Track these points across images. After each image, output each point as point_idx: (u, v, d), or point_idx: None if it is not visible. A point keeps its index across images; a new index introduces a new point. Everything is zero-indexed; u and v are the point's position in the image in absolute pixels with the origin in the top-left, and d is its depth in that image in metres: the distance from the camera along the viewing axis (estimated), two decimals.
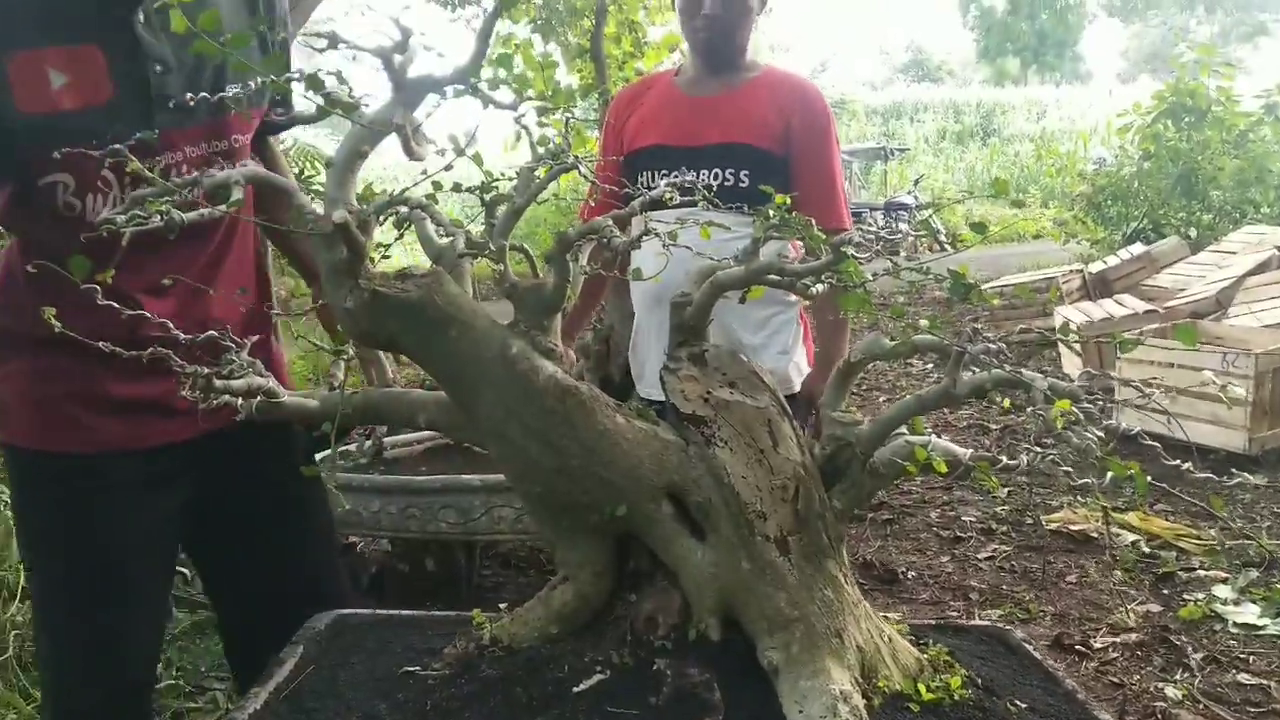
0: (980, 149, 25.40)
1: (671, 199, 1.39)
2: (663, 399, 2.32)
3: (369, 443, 3.97)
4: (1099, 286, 7.93)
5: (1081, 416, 1.20)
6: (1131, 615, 3.24)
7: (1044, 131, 25.99)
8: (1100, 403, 1.33)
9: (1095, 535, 3.89)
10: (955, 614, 3.38)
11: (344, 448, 3.63)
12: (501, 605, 1.45)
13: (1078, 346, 6.38)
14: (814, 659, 1.22)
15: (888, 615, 3.08)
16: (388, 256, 1.33)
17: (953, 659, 1.46)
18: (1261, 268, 6.57)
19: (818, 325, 2.51)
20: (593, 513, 1.26)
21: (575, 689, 1.23)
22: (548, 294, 1.27)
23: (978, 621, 1.77)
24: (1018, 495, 4.43)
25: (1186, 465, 1.28)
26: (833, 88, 28.75)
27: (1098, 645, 3.05)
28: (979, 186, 22.13)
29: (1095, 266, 8.30)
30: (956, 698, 1.31)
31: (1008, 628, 1.72)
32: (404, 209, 1.28)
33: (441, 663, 1.39)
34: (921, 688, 1.29)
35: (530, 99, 1.31)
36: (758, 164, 2.27)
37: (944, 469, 1.29)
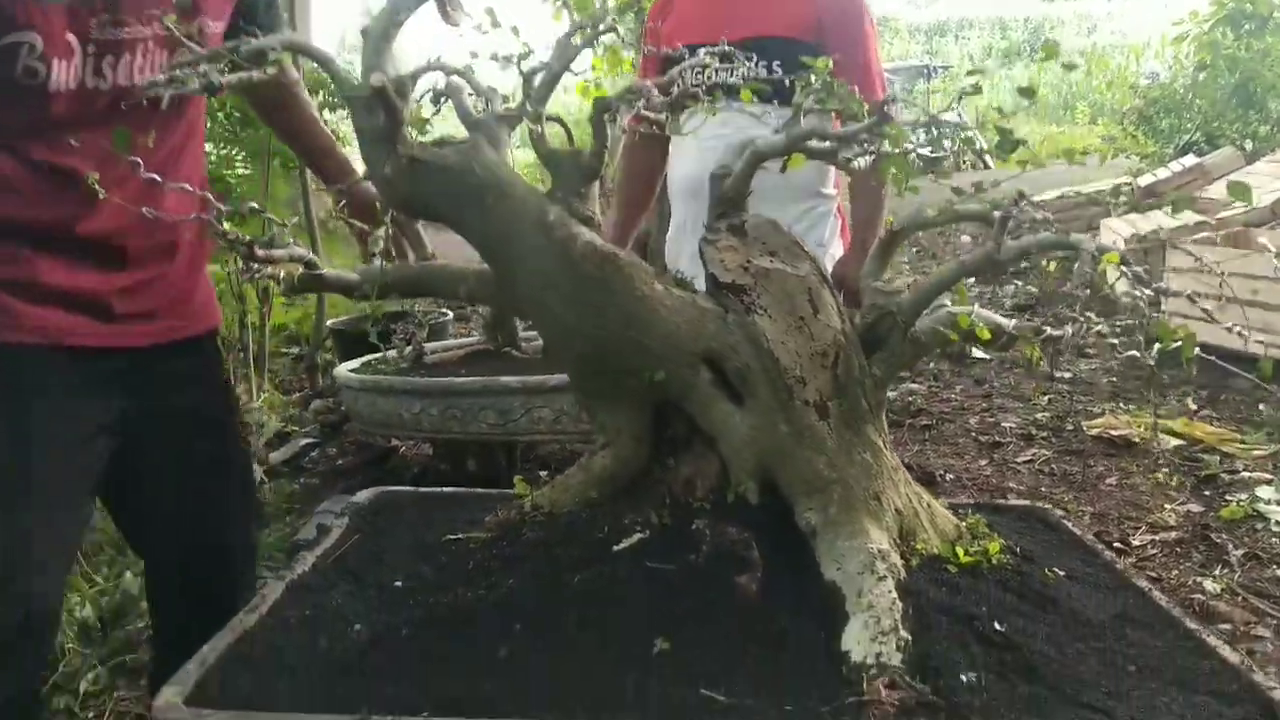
0: (1028, 66, 24.63)
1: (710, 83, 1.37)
2: None
3: (409, 347, 4.02)
4: (1148, 199, 7.71)
5: (1130, 275, 1.18)
6: (1172, 515, 3.23)
7: (1094, 46, 25.13)
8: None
9: (1137, 440, 3.86)
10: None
11: (385, 353, 3.69)
12: (542, 473, 1.47)
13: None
14: (852, 520, 1.23)
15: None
16: (427, 132, 1.33)
17: (991, 530, 1.47)
18: None
19: (854, 202, 2.48)
20: (631, 378, 1.27)
21: (615, 548, 1.26)
22: (585, 161, 1.26)
23: (1015, 502, 1.77)
24: (1058, 402, 4.40)
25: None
26: (874, 4, 27.90)
27: (1136, 543, 3.05)
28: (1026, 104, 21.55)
29: (1144, 179, 8.09)
30: (994, 562, 1.32)
31: (1047, 507, 1.73)
32: (441, 77, 1.28)
33: (484, 530, 1.42)
34: (959, 551, 1.30)
35: None
36: (790, 56, 2.23)
37: (987, 335, 1.28)
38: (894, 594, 1.14)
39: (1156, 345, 1.35)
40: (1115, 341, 1.35)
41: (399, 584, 1.32)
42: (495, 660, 1.11)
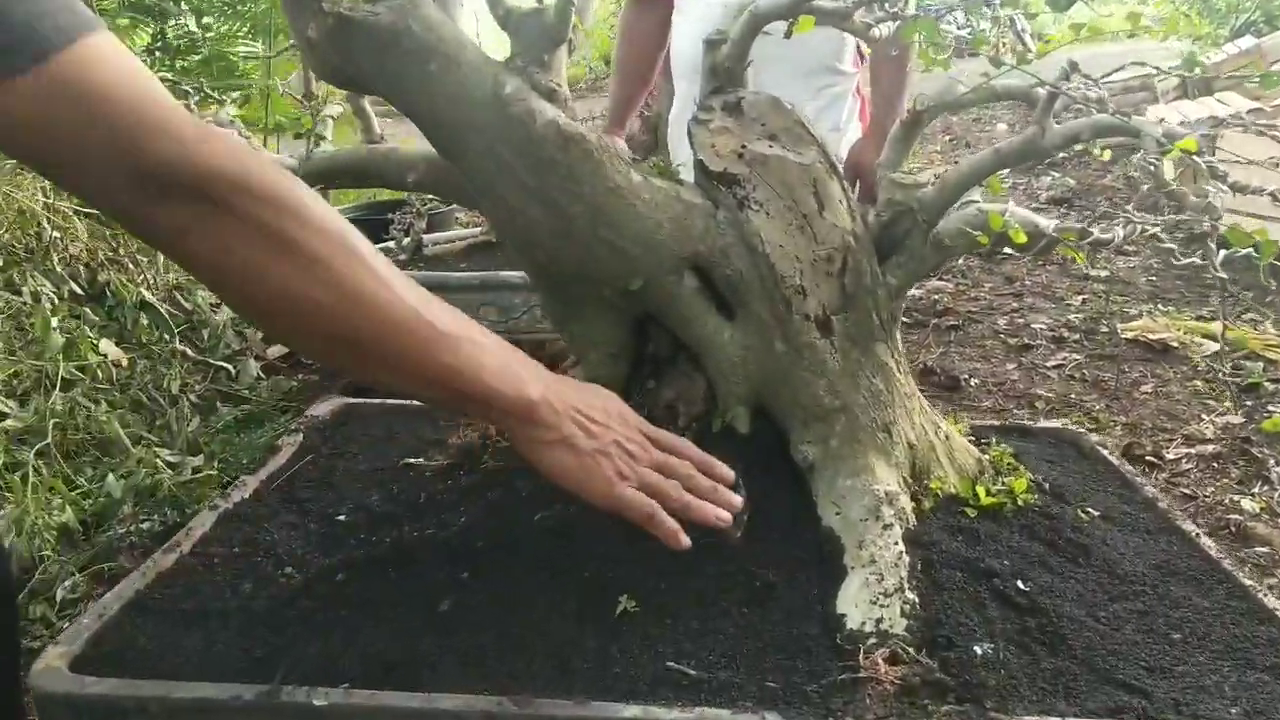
0: None
1: None
2: None
3: (407, 238, 3.81)
4: (1200, 85, 7.27)
5: (1204, 169, 0.97)
6: (1210, 426, 3.04)
7: None
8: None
9: (1175, 345, 3.64)
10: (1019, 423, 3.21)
11: (383, 244, 3.51)
12: None
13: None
14: (856, 455, 1.06)
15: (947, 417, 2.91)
16: None
17: (1018, 461, 1.29)
18: None
19: (875, 79, 2.23)
20: (603, 286, 1.09)
21: None
22: (549, 22, 1.05)
23: (1046, 423, 1.59)
24: (1094, 302, 4.17)
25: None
26: None
27: (1170, 456, 2.87)
28: None
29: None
30: (1020, 503, 1.15)
31: (1080, 430, 1.55)
32: None
33: (444, 454, 1.27)
34: (981, 491, 1.13)
35: None
36: None
37: (1023, 239, 1.07)
38: (900, 546, 0.97)
39: (1222, 251, 1.15)
40: (1172, 246, 1.13)
41: (342, 517, 1.17)
42: (436, 614, 0.96)
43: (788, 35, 1.12)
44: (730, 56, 1.12)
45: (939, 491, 1.11)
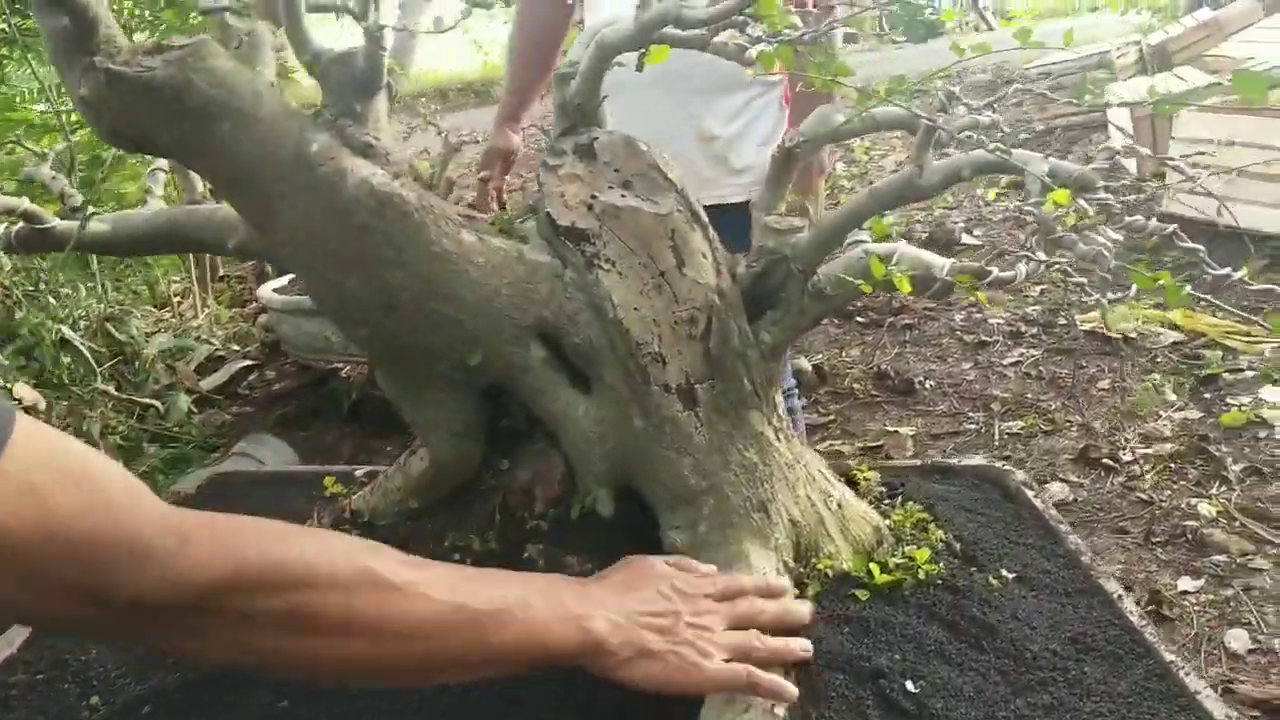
0: None
1: None
2: None
3: None
4: (1158, 59, 7.20)
5: (1092, 212, 0.86)
6: (1167, 423, 2.95)
7: None
8: (1131, 192, 0.98)
9: (1134, 336, 3.55)
10: (974, 425, 3.12)
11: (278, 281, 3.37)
12: (359, 472, 1.19)
13: (1128, 125, 5.83)
14: (728, 541, 0.95)
15: (895, 431, 2.80)
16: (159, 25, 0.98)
17: (932, 515, 1.18)
18: None
19: (794, 81, 2.10)
20: (438, 361, 0.97)
21: None
22: (359, 69, 0.93)
23: (973, 461, 1.48)
24: (1052, 294, 4.08)
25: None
26: None
27: (1127, 458, 2.78)
28: None
29: (1154, 37, 7.53)
30: (922, 575, 1.04)
31: (1007, 469, 1.44)
32: None
33: None
34: (875, 568, 1.02)
35: None
36: None
37: (907, 288, 0.96)
38: None
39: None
40: (1081, 280, 1.02)
41: None
42: None
43: (639, 68, 1.01)
44: (581, 93, 1.01)
45: (828, 571, 1.00)
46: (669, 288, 0.95)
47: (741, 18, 0.90)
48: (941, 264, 1.03)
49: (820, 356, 3.67)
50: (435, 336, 0.95)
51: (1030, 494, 1.36)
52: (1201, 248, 0.93)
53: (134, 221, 1.10)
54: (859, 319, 3.98)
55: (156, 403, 3.43)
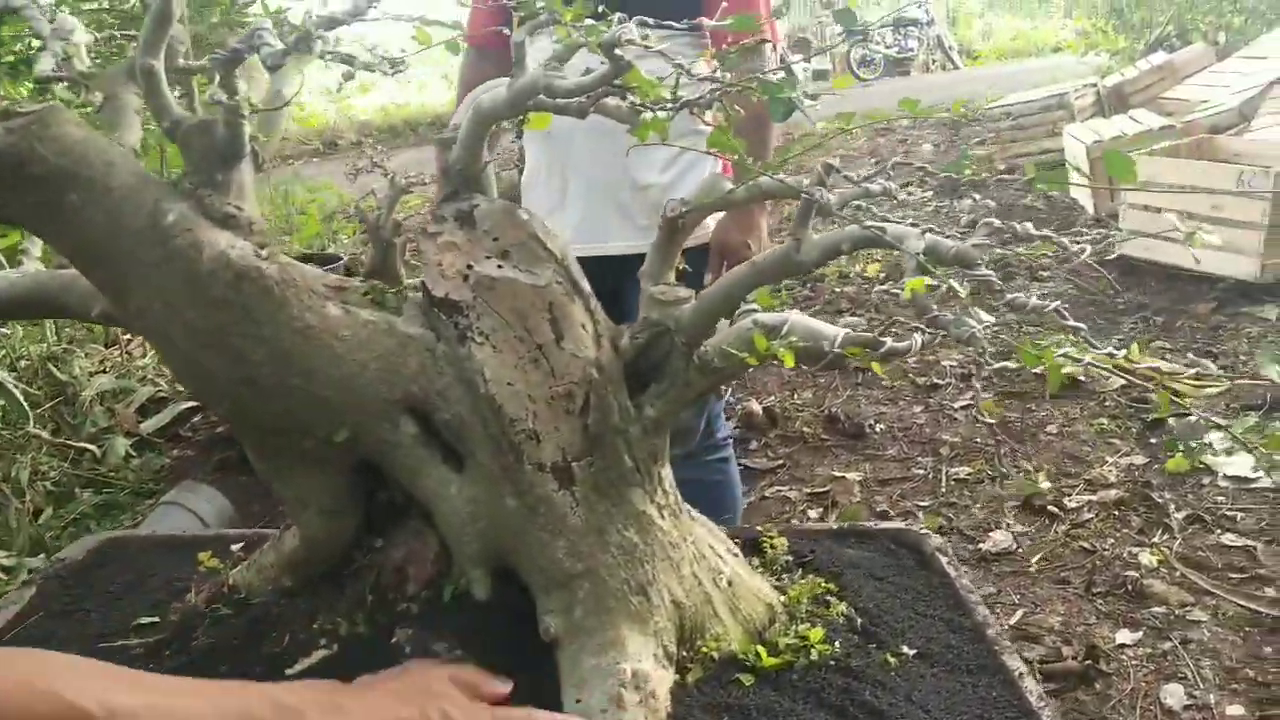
0: None
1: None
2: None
3: None
4: (1114, 101, 7.31)
5: (962, 293, 0.84)
6: (1113, 469, 2.94)
7: None
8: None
9: (1083, 379, 3.56)
10: (921, 471, 3.10)
11: None
12: (235, 547, 1.14)
13: (1085, 165, 5.89)
14: (605, 626, 0.91)
15: (843, 476, 2.77)
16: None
17: (837, 586, 1.15)
18: None
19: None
20: (305, 437, 0.93)
21: (288, 670, 0.93)
22: (220, 137, 0.89)
23: (890, 524, 1.45)
24: (1005, 334, 4.07)
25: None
26: None
27: (1072, 505, 2.76)
28: None
29: (1111, 80, 7.65)
30: (814, 656, 1.00)
31: (924, 532, 1.41)
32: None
33: (174, 614, 1.10)
34: (763, 651, 0.98)
35: None
36: None
37: (791, 362, 0.93)
38: None
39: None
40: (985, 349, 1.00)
41: None
42: None
43: (518, 136, 0.98)
44: (461, 159, 0.98)
45: (713, 654, 0.96)
46: (546, 361, 0.92)
47: (617, 86, 0.88)
48: (833, 335, 1.01)
49: (772, 399, 3.65)
50: (299, 413, 0.91)
51: (944, 560, 1.33)
52: (1084, 325, 0.90)
53: None
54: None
55: (93, 446, 3.35)
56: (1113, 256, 4.79)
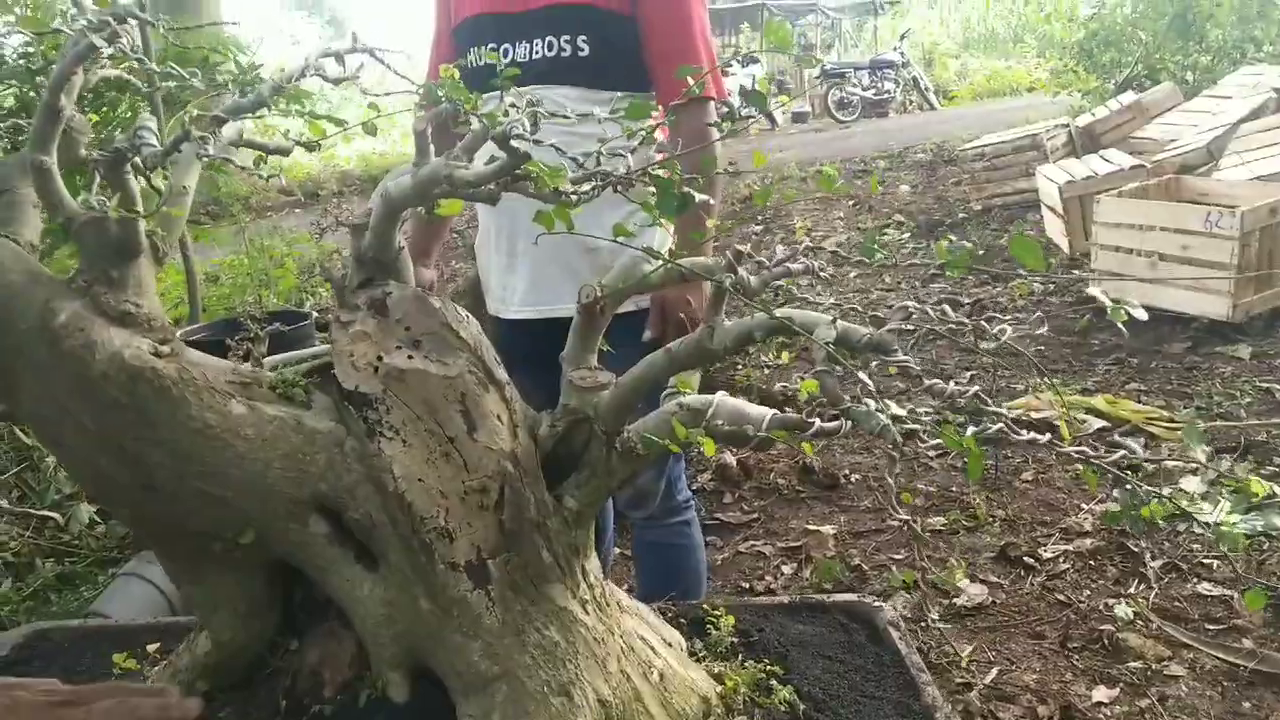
0: None
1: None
2: (515, 316, 1.94)
3: (246, 363, 3.59)
4: (1086, 141, 7.38)
5: (868, 385, 0.81)
6: (1088, 517, 2.91)
7: None
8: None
9: (1058, 424, 3.53)
10: (896, 523, 3.06)
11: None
12: (150, 647, 1.10)
13: (1058, 205, 5.93)
14: None
15: (817, 530, 2.72)
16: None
17: (783, 667, 1.12)
18: (1257, 113, 6.03)
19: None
20: (210, 540, 0.89)
21: None
22: (113, 233, 0.87)
23: (842, 596, 1.42)
24: (982, 379, 4.07)
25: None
26: None
27: (1047, 556, 2.72)
28: (975, 39, 21.06)
29: (1082, 120, 7.73)
30: None
31: (877, 605, 1.37)
32: None
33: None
34: None
35: None
36: (598, 27, 1.81)
37: (711, 450, 0.91)
38: None
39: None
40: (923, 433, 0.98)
41: None
42: None
43: (427, 220, 0.96)
44: (374, 245, 0.95)
45: None
46: (458, 455, 0.89)
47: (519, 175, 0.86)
48: (759, 417, 0.98)
49: (746, 450, 3.62)
50: (201, 516, 0.87)
51: (896, 635, 1.29)
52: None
53: None
54: (787, 409, 3.93)
55: (56, 514, 3.28)
56: (1085, 295, 4.80)
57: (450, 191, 0.88)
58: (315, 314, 4.34)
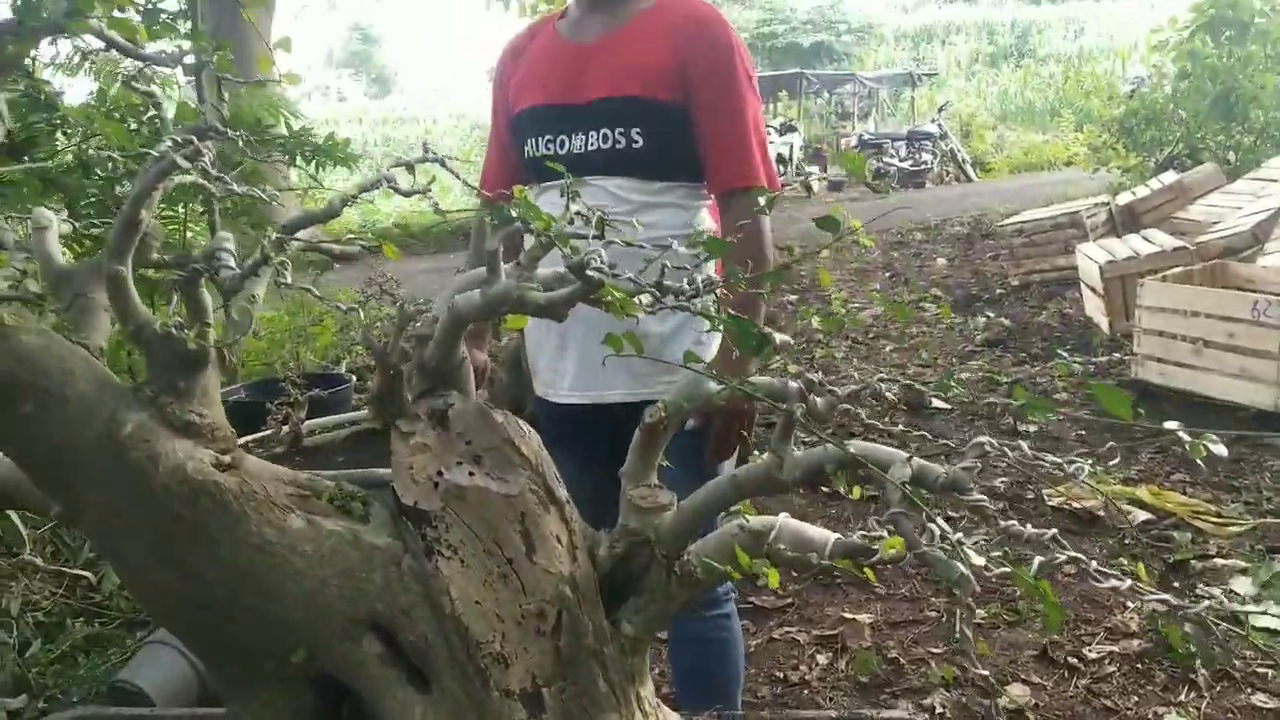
0: (1014, 71, 24.25)
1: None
2: (563, 401, 1.93)
3: (285, 428, 3.59)
4: (1126, 220, 7.35)
5: (947, 533, 0.79)
6: (1135, 616, 2.83)
7: (1081, 50, 24.81)
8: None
9: (1102, 514, 3.46)
10: (935, 613, 2.99)
11: (258, 435, 3.29)
12: None
13: (1099, 284, 5.89)
14: None
15: (853, 619, 2.67)
16: None
17: None
18: None
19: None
20: (262, 659, 0.88)
21: None
22: (182, 346, 0.87)
23: (890, 714, 1.37)
24: (1017, 470, 3.99)
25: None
26: (860, 12, 27.71)
27: (1092, 656, 2.64)
28: (1012, 111, 21.16)
29: (1123, 198, 7.71)
30: None
31: None
32: None
33: None
34: None
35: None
36: (652, 119, 1.82)
37: (775, 581, 0.88)
38: None
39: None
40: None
41: None
42: None
43: (496, 336, 0.95)
44: (437, 356, 0.95)
45: None
46: (516, 577, 0.87)
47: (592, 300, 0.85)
48: (822, 543, 0.96)
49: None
50: (253, 634, 0.86)
51: None
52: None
53: None
54: (823, 488, 3.89)
55: (88, 573, 3.29)
56: (1128, 379, 4.73)
57: (519, 310, 0.87)
58: (353, 378, 4.37)
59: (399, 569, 0.88)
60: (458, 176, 0.98)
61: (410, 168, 0.98)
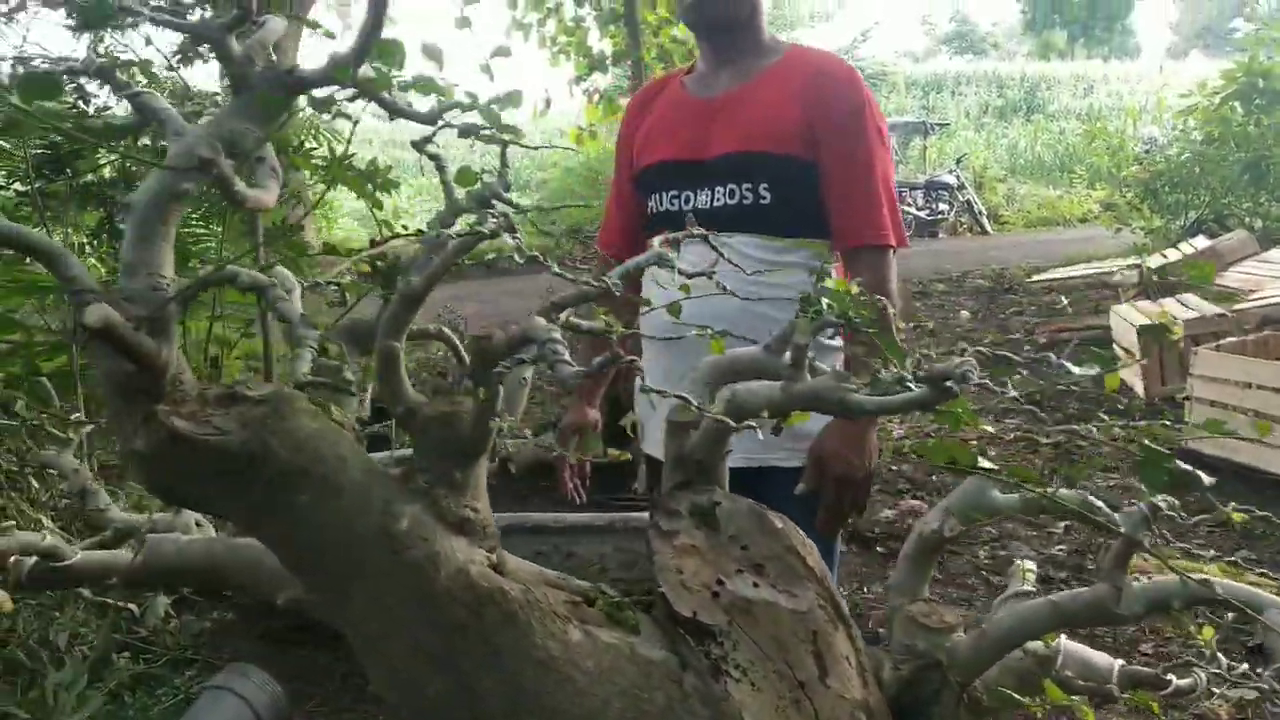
0: (1024, 125, 24.44)
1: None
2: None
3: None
4: (1161, 285, 7.34)
5: None
6: (1222, 704, 2.74)
7: (1090, 108, 25.03)
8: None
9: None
10: None
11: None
12: None
13: (1136, 350, 5.85)
14: None
15: None
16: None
17: None
18: None
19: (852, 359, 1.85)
20: None
21: None
22: (462, 432, 0.79)
23: None
24: (1079, 532, 3.93)
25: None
26: (872, 58, 27.96)
27: None
28: (1022, 165, 21.29)
29: (1155, 261, 7.71)
30: None
31: None
32: (246, 283, 0.81)
33: None
34: None
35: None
36: (779, 174, 1.76)
37: (1058, 694, 0.81)
38: None
39: None
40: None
41: None
42: None
43: (776, 431, 0.88)
44: (703, 448, 0.88)
45: None
46: (809, 703, 0.80)
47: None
48: (1108, 669, 0.89)
49: (841, 592, 3.47)
50: None
51: None
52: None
53: (164, 551, 0.94)
54: (879, 548, 3.80)
55: (133, 606, 3.18)
56: (1179, 447, 4.67)
57: (831, 412, 0.81)
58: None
59: (680, 689, 0.80)
60: (522, 248, 0.91)
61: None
